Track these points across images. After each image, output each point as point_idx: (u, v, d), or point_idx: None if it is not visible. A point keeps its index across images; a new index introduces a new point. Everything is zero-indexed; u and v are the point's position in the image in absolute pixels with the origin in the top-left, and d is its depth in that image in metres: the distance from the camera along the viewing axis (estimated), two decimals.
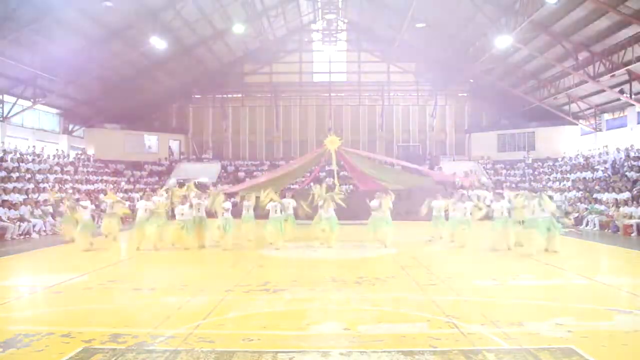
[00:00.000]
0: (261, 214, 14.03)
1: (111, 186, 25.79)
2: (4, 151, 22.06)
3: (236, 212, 14.41)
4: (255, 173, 30.24)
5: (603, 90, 24.53)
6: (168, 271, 10.17)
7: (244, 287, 8.16)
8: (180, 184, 22.29)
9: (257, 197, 13.78)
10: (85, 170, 26.85)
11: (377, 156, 26.12)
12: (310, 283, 8.41)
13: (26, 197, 18.68)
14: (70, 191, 21.52)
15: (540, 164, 29.86)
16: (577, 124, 29.47)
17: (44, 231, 17.50)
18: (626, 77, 22.08)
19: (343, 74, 35.65)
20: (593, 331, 5.40)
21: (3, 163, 20.75)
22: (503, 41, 22.26)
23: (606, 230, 18.09)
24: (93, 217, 15.11)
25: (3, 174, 19.78)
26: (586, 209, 20.17)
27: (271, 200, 13.22)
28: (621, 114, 26.65)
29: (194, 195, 13.95)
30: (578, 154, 27.75)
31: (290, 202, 14.99)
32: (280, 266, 10.87)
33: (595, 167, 24.79)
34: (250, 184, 20.10)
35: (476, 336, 5.48)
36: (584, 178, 24.18)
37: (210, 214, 13.89)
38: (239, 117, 35.20)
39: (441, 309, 6.65)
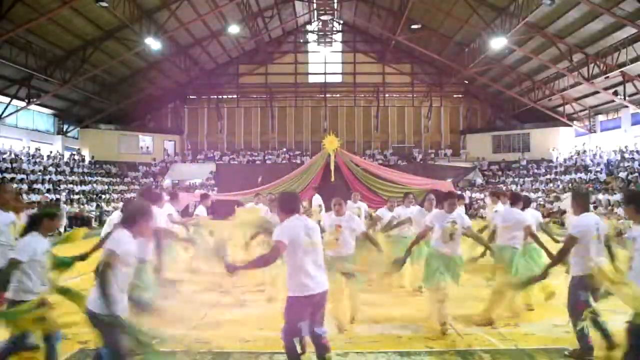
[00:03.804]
0: None
1: None
2: None
3: None
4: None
5: (597, 92, 24.66)
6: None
7: (240, 288, 8.15)
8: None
9: None
10: (80, 171, 26.75)
11: (381, 171, 26.05)
12: None
13: (21, 198, 18.60)
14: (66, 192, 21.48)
15: (534, 165, 29.97)
16: (571, 126, 29.58)
17: None
18: (620, 78, 22.21)
19: (338, 75, 35.65)
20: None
21: None
22: (498, 43, 22.35)
23: None
24: None
25: None
26: None
27: None
28: (615, 116, 26.80)
29: None
30: (572, 155, 27.88)
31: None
32: (277, 266, 10.81)
33: (590, 169, 24.93)
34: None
35: (472, 337, 5.51)
36: (578, 179, 24.28)
37: None
38: (234, 118, 35.12)
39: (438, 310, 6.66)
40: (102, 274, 3.50)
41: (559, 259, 4.91)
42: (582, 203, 5.19)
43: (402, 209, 8.73)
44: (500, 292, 6.04)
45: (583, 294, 4.78)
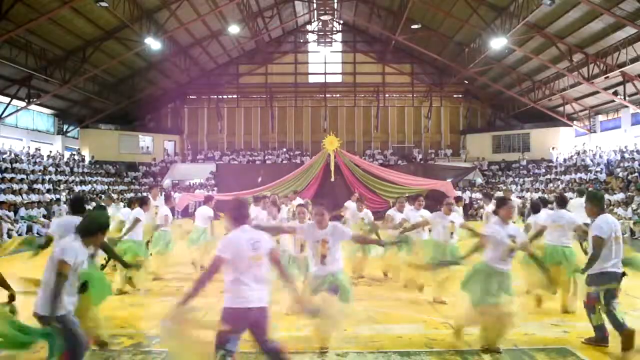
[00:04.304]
0: None
1: None
2: None
3: None
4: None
5: (597, 92, 24.65)
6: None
7: None
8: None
9: None
10: (79, 171, 26.75)
11: (381, 172, 26.04)
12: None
13: (21, 198, 18.60)
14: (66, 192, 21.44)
15: (534, 165, 29.97)
16: (571, 126, 29.59)
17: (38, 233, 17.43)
18: (620, 78, 22.21)
19: (338, 75, 35.62)
20: (588, 332, 5.41)
21: None
22: (498, 43, 22.32)
23: None
24: None
25: None
26: None
27: None
28: (615, 116, 26.80)
29: None
30: (572, 155, 27.87)
31: None
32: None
33: (590, 169, 24.93)
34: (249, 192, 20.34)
35: (472, 337, 5.50)
36: (578, 179, 24.27)
37: None
38: (234, 118, 35.11)
39: (437, 310, 6.67)
40: (57, 284, 3.71)
41: (591, 263, 5.13)
42: (597, 205, 5.34)
43: (412, 211, 8.52)
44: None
45: (596, 290, 5.03)
